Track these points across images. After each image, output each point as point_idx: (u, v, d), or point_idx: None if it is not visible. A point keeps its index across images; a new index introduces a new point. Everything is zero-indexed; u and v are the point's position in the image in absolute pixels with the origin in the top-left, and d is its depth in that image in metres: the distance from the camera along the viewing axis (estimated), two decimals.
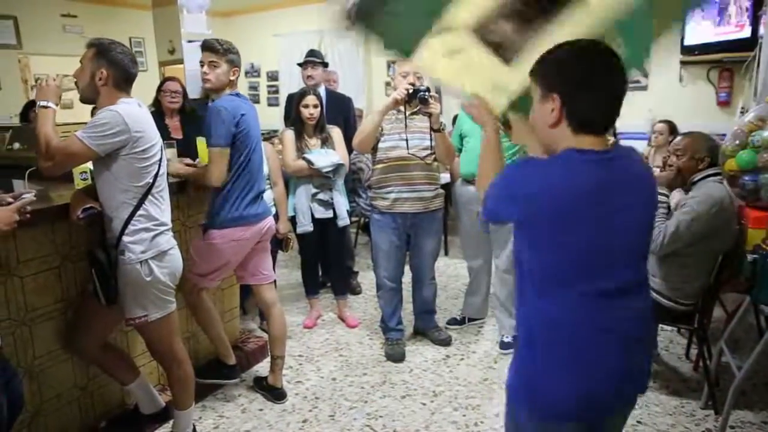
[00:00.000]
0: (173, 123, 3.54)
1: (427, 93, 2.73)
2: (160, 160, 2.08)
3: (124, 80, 2.02)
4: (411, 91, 2.73)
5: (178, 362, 2.22)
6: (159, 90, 3.56)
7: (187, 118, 3.58)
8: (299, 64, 3.96)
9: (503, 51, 1.48)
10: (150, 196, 2.04)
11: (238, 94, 2.45)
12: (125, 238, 1.99)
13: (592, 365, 1.21)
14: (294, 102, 3.37)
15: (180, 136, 3.41)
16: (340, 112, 3.86)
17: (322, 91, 3.77)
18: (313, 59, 3.87)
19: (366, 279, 4.29)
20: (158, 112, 3.51)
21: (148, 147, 1.99)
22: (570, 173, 1.17)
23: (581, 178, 1.17)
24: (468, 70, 1.51)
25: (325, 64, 4.07)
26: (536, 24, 1.44)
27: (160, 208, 2.09)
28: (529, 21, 1.44)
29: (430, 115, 2.80)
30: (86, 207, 2.02)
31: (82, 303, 2.20)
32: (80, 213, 2.01)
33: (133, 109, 1.99)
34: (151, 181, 2.03)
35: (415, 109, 2.89)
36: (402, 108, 2.89)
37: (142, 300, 2.05)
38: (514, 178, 1.26)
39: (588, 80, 1.18)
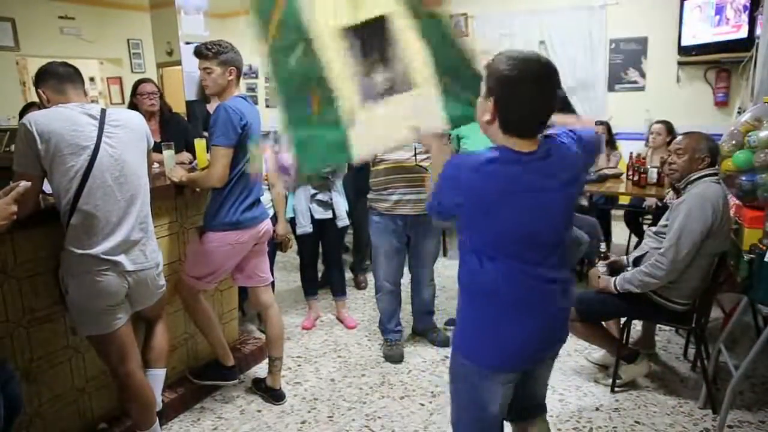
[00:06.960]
0: (152, 126, 3.42)
1: None
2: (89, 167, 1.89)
3: (57, 83, 1.97)
4: None
5: (129, 384, 2.09)
6: (134, 94, 3.46)
7: (166, 121, 3.52)
8: None
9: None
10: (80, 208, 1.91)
11: (244, 97, 2.43)
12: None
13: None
14: None
15: (158, 140, 3.32)
16: None
17: None
18: None
19: (365, 279, 4.30)
20: None
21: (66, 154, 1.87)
22: (479, 174, 1.34)
23: (491, 179, 1.34)
24: (392, 123, 1.65)
25: None
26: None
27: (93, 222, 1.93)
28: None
29: None
30: None
31: None
32: None
33: (48, 114, 1.88)
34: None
35: None
36: None
37: (71, 312, 2.04)
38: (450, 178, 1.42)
39: (515, 90, 1.31)
